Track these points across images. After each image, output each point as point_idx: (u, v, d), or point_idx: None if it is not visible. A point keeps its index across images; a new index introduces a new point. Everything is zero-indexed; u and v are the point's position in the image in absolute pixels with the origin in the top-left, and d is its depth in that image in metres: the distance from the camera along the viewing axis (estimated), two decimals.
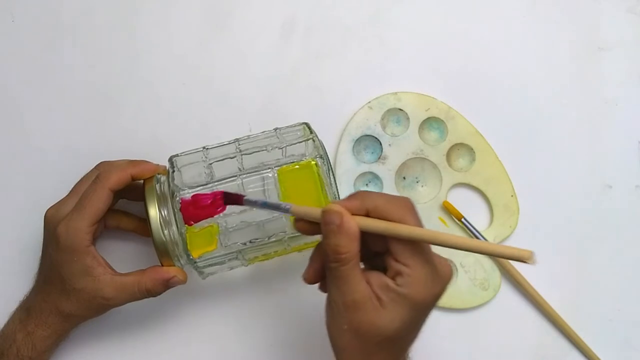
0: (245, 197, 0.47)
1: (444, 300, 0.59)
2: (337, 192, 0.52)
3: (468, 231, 0.60)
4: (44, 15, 0.63)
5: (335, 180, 0.52)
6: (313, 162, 0.51)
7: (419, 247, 0.42)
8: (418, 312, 0.42)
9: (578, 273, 0.61)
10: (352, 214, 0.43)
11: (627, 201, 0.62)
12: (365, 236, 0.43)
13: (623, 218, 0.61)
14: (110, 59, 0.62)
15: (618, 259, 0.61)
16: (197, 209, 0.50)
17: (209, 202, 0.50)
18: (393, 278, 0.42)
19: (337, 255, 0.42)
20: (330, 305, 0.43)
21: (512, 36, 0.63)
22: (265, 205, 0.47)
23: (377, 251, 0.44)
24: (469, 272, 0.60)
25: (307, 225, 0.45)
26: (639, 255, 0.61)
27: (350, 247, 0.42)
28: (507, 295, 0.60)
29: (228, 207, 0.50)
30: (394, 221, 0.42)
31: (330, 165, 0.52)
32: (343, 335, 0.42)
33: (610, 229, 0.61)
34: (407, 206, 0.43)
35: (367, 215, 0.43)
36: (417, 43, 0.63)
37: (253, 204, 0.47)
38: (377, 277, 0.42)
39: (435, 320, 0.59)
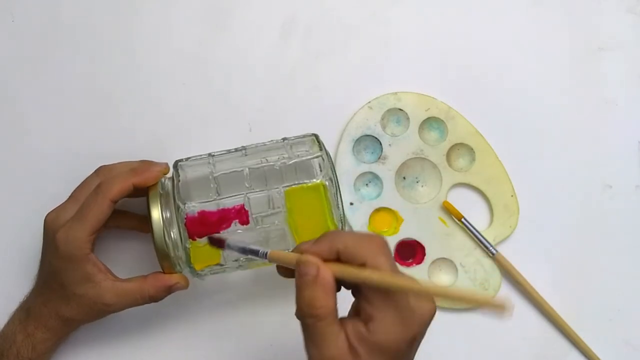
0: (227, 242, 0.46)
1: (444, 301, 0.59)
2: (344, 215, 0.51)
3: (468, 231, 0.60)
4: (44, 15, 0.63)
5: (342, 203, 0.51)
6: (322, 185, 0.50)
7: (391, 292, 0.40)
8: (396, 359, 0.40)
9: (578, 273, 0.61)
10: (324, 260, 0.41)
11: (627, 201, 0.62)
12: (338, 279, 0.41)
13: (623, 218, 0.61)
14: (110, 59, 0.62)
15: (618, 259, 0.61)
16: (203, 226, 0.50)
17: (215, 219, 0.50)
18: (366, 323, 0.40)
19: (312, 310, 0.40)
20: None
21: (512, 36, 0.63)
22: (243, 251, 0.45)
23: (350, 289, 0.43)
24: (469, 272, 0.60)
25: (288, 271, 0.44)
26: (639, 255, 0.61)
27: (326, 300, 0.40)
28: (507, 295, 0.60)
29: (233, 223, 0.50)
30: (366, 262, 0.40)
31: (339, 186, 0.51)
32: None
33: (610, 229, 0.61)
34: (379, 245, 0.41)
35: (338, 256, 0.41)
36: (417, 43, 0.63)
37: (234, 249, 0.46)
38: (351, 327, 0.40)
39: (435, 320, 0.60)
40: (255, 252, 0.45)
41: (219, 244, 0.47)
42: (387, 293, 0.40)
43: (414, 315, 0.40)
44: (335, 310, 0.41)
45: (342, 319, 0.41)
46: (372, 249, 0.40)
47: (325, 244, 0.41)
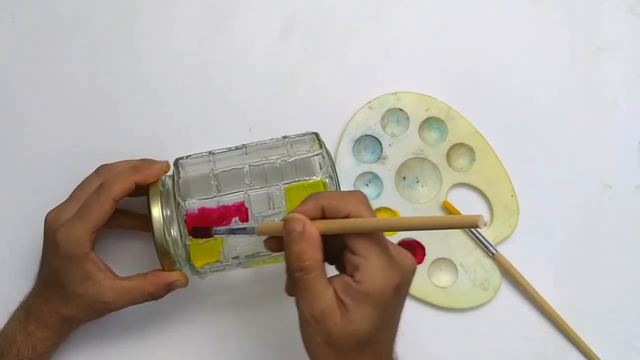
0: (214, 229, 0.48)
1: (444, 300, 0.59)
2: None
3: (468, 231, 0.60)
4: (44, 15, 0.63)
5: None
6: (322, 182, 0.50)
7: (374, 238, 0.42)
8: (383, 308, 0.42)
9: (578, 273, 0.61)
10: (310, 218, 0.42)
11: (627, 201, 0.62)
12: (324, 239, 0.43)
13: (623, 218, 0.61)
14: (110, 59, 0.62)
15: (618, 259, 0.61)
16: (203, 223, 0.50)
17: (216, 217, 0.50)
18: (352, 275, 0.41)
19: (300, 263, 0.42)
20: (300, 318, 0.43)
21: (512, 36, 0.63)
22: (232, 232, 0.47)
23: (336, 250, 0.44)
24: (469, 272, 0.60)
25: (276, 242, 0.45)
26: (639, 255, 0.61)
27: (313, 253, 0.42)
28: (507, 295, 0.60)
29: (233, 221, 0.50)
30: (349, 214, 0.42)
31: (339, 184, 0.51)
32: (318, 348, 0.42)
33: (610, 229, 0.61)
34: (360, 199, 0.43)
35: (323, 213, 0.43)
36: (417, 43, 0.63)
37: (221, 233, 0.48)
38: (339, 280, 0.42)
39: (435, 320, 0.60)
40: (242, 229, 0.46)
41: (204, 232, 0.48)
42: (369, 240, 0.41)
43: (397, 263, 0.42)
44: (322, 265, 0.42)
45: (330, 277, 0.43)
46: (354, 202, 0.42)
47: (309, 203, 0.43)
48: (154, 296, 0.52)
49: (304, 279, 0.42)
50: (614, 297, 0.60)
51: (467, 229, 0.60)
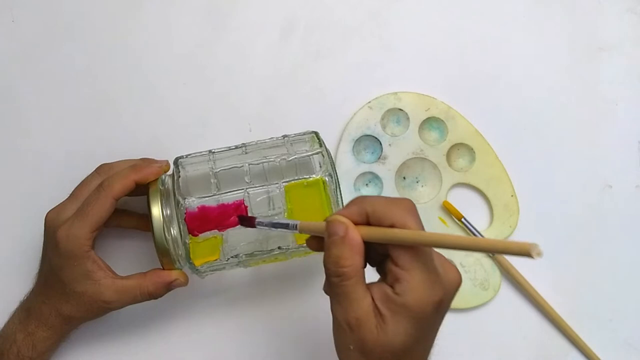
0: (257, 220, 0.48)
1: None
2: None
3: (468, 231, 0.60)
4: (44, 15, 0.63)
5: (342, 199, 0.51)
6: (321, 180, 0.51)
7: (418, 251, 0.40)
8: (421, 322, 0.40)
9: (578, 273, 0.61)
10: (355, 224, 0.41)
11: (627, 201, 0.62)
12: (367, 244, 0.41)
13: (623, 218, 0.61)
14: (111, 59, 0.62)
15: (618, 259, 0.61)
16: (203, 223, 0.50)
17: (215, 215, 0.50)
18: (392, 285, 0.40)
19: (339, 268, 0.40)
20: (334, 323, 0.41)
21: (512, 36, 0.63)
22: (274, 225, 0.47)
23: (380, 255, 0.43)
24: (469, 272, 0.60)
25: (317, 242, 0.44)
26: (639, 255, 0.61)
27: (353, 259, 0.40)
28: (507, 295, 0.60)
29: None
30: (394, 224, 0.40)
31: (339, 182, 0.51)
32: (350, 355, 0.40)
33: (610, 229, 0.61)
34: (408, 207, 0.41)
35: (367, 219, 0.41)
36: (417, 43, 0.63)
37: (264, 225, 0.47)
38: (378, 288, 0.40)
39: None
40: (285, 225, 0.46)
41: (249, 222, 0.48)
42: (414, 254, 0.40)
43: (441, 278, 0.40)
44: (362, 272, 0.41)
45: (369, 284, 0.41)
46: (400, 211, 0.40)
47: (354, 207, 0.41)
48: (154, 295, 0.52)
49: (341, 285, 0.40)
50: (614, 297, 0.60)
51: (466, 230, 0.60)
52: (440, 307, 0.40)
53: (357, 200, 0.42)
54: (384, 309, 0.40)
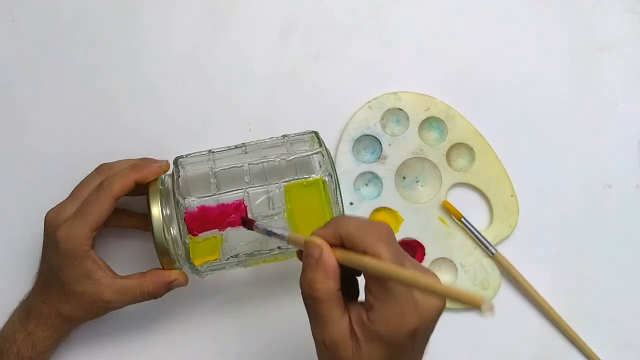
0: (256, 223, 0.48)
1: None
2: (343, 210, 0.51)
3: (468, 231, 0.60)
4: (44, 15, 0.63)
5: (342, 199, 0.51)
6: (321, 180, 0.51)
7: (389, 281, 0.39)
8: (396, 350, 0.39)
9: (578, 273, 0.61)
10: (331, 244, 0.40)
11: (627, 201, 0.62)
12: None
13: (623, 218, 0.61)
14: (111, 59, 0.62)
15: (618, 259, 0.61)
16: (203, 223, 0.50)
17: (215, 215, 0.50)
18: (368, 311, 0.39)
19: (312, 292, 0.40)
20: (314, 341, 0.41)
21: (512, 36, 0.63)
22: (268, 233, 0.46)
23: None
24: (469, 272, 0.60)
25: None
26: (639, 255, 0.61)
27: (326, 284, 0.40)
28: (507, 295, 0.60)
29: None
30: (366, 251, 0.39)
31: (338, 182, 0.51)
32: None
33: (610, 229, 0.61)
34: (382, 235, 0.40)
35: (342, 242, 0.40)
36: (417, 43, 0.63)
37: (261, 231, 0.47)
38: (356, 311, 0.40)
39: None
40: (277, 235, 0.45)
41: (249, 224, 0.48)
42: (386, 283, 0.39)
43: (416, 308, 0.39)
44: (337, 294, 0.40)
45: (349, 304, 0.41)
46: (373, 238, 0.39)
47: (330, 229, 0.41)
48: (154, 295, 0.52)
49: (316, 307, 0.40)
50: (614, 297, 0.60)
51: (466, 230, 0.60)
52: (417, 336, 0.40)
53: (335, 222, 0.41)
54: (360, 333, 0.39)
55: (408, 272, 0.37)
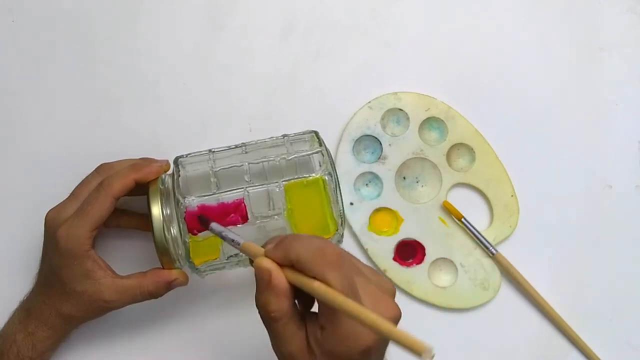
0: (211, 225, 0.46)
1: (444, 300, 0.59)
2: (343, 210, 0.51)
3: (468, 231, 0.60)
4: (44, 15, 0.63)
5: (342, 199, 0.51)
6: (321, 179, 0.51)
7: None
8: None
9: (578, 273, 0.61)
10: (281, 265, 0.40)
11: (627, 201, 0.62)
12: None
13: (623, 218, 0.61)
14: (111, 59, 0.62)
15: (618, 259, 0.61)
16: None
17: (215, 214, 0.50)
18: (320, 329, 0.40)
19: (266, 313, 0.41)
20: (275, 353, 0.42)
21: (512, 36, 0.63)
22: (223, 237, 0.45)
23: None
24: (469, 272, 0.60)
25: None
26: (639, 255, 0.61)
27: (279, 304, 0.40)
28: (507, 295, 0.60)
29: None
30: (315, 276, 0.39)
31: (338, 181, 0.51)
32: None
33: (610, 229, 0.61)
34: (332, 260, 0.39)
35: (293, 266, 0.40)
36: (417, 43, 0.63)
37: (215, 231, 0.46)
38: (312, 327, 0.41)
39: (435, 320, 0.60)
40: (231, 240, 0.44)
41: (205, 223, 0.47)
42: (333, 308, 0.39)
43: (357, 335, 0.39)
44: (291, 310, 0.41)
45: (307, 316, 0.42)
46: (323, 263, 0.39)
47: (280, 251, 0.41)
48: (154, 295, 0.52)
49: (272, 326, 0.41)
50: (614, 297, 0.60)
51: (466, 230, 0.60)
52: (370, 353, 0.40)
53: (285, 245, 0.41)
54: (315, 348, 0.40)
55: (352, 306, 0.37)
